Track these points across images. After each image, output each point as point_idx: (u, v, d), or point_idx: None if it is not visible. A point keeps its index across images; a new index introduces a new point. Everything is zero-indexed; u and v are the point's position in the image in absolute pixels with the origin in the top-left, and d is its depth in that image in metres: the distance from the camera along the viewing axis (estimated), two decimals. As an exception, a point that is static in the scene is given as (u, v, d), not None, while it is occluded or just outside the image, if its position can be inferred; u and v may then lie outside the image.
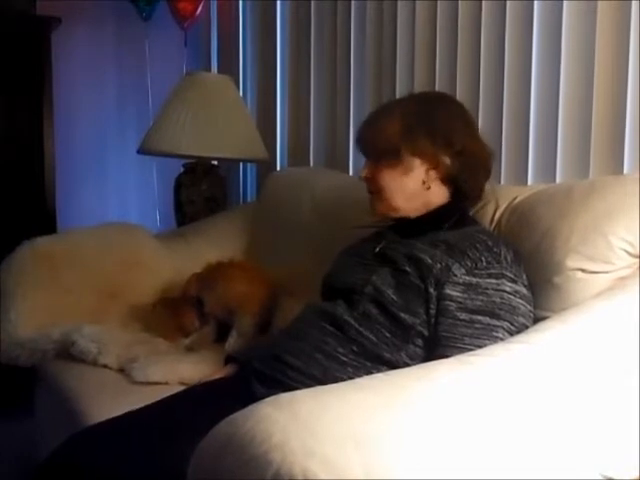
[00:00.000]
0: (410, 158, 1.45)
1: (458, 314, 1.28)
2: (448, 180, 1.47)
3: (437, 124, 1.46)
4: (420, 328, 1.31)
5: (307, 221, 2.17)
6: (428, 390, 0.95)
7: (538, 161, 1.83)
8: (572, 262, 1.32)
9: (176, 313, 2.03)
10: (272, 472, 0.75)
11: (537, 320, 1.30)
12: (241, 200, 3.21)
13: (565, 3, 1.73)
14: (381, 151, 1.48)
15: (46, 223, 2.79)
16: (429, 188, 1.46)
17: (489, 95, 1.95)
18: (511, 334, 1.26)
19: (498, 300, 1.28)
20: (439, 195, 1.48)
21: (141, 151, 2.65)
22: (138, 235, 2.30)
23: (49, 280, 2.03)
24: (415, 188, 1.47)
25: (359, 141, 1.57)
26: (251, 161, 2.97)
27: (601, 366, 1.08)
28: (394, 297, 1.33)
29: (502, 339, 1.24)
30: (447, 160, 1.44)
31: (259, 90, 3.03)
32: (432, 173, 1.46)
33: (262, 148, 2.67)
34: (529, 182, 1.85)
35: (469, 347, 1.24)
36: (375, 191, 1.50)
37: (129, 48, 3.32)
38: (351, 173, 2.41)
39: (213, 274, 2.01)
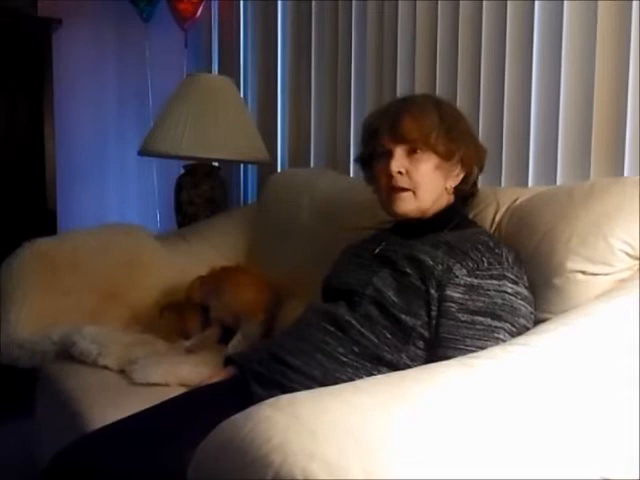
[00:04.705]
0: (451, 151, 1.44)
1: (459, 315, 1.28)
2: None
3: (457, 126, 1.47)
4: (421, 330, 1.31)
5: (307, 222, 2.17)
6: (428, 392, 0.95)
7: (539, 163, 1.83)
8: (572, 264, 1.32)
9: (181, 317, 2.03)
10: (272, 474, 0.75)
11: (537, 322, 1.30)
12: (242, 201, 3.21)
13: (566, 4, 1.73)
14: (424, 139, 1.41)
15: (46, 224, 2.79)
16: (446, 189, 1.47)
17: (490, 97, 1.95)
18: (512, 335, 1.26)
19: (499, 301, 1.28)
20: (447, 197, 1.49)
21: (142, 153, 2.65)
22: (138, 236, 2.30)
23: (49, 281, 2.03)
24: (441, 187, 1.47)
25: (392, 128, 1.44)
26: (252, 162, 2.97)
27: (601, 368, 1.08)
28: (395, 299, 1.33)
29: (503, 340, 1.24)
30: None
31: (260, 91, 3.03)
32: (459, 172, 1.48)
33: (263, 149, 2.67)
34: (530, 184, 1.85)
35: (470, 348, 1.24)
36: (407, 188, 1.43)
37: (130, 49, 3.32)
38: (352, 174, 2.42)
39: (219, 280, 2.01)
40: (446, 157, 1.44)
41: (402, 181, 1.43)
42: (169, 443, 1.23)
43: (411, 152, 1.43)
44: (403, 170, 1.43)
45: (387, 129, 1.45)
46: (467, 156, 1.47)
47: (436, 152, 1.43)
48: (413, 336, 1.31)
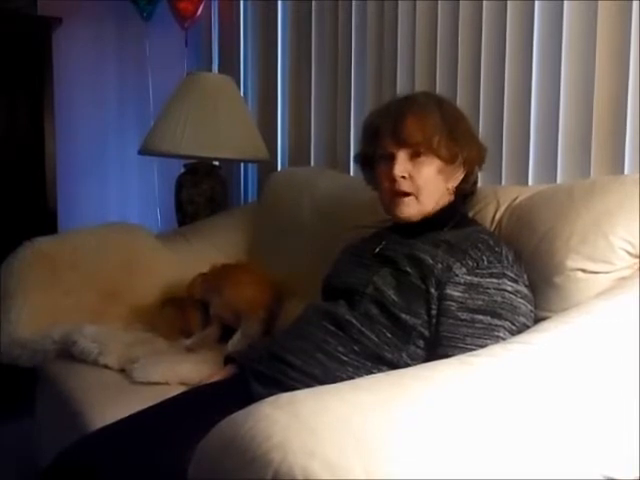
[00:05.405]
0: (454, 154, 1.44)
1: (459, 314, 1.27)
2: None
3: (459, 127, 1.47)
4: (421, 329, 1.31)
5: (308, 221, 2.18)
6: (428, 390, 0.95)
7: (539, 161, 1.83)
8: (572, 262, 1.32)
9: (182, 314, 2.04)
10: (272, 472, 0.75)
11: (538, 320, 1.30)
12: (242, 200, 3.21)
13: (566, 3, 1.73)
14: (427, 143, 1.40)
15: (47, 223, 2.79)
16: (447, 189, 1.47)
17: (490, 95, 1.95)
18: (512, 334, 1.26)
19: (499, 299, 1.28)
20: (448, 197, 1.48)
21: (142, 152, 2.65)
22: (139, 235, 2.30)
23: (50, 280, 2.03)
24: (443, 189, 1.47)
25: (395, 131, 1.42)
26: (252, 161, 2.97)
27: (602, 366, 1.08)
28: (395, 298, 1.33)
29: (503, 339, 1.24)
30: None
31: (260, 90, 3.03)
32: (460, 173, 1.48)
33: (263, 148, 2.67)
34: (530, 182, 1.85)
35: (470, 347, 1.24)
36: (409, 192, 1.43)
37: (130, 48, 3.32)
38: (352, 173, 2.41)
39: (220, 277, 2.00)
40: (449, 161, 1.44)
41: (405, 185, 1.43)
42: (169, 442, 1.23)
43: (414, 155, 1.42)
44: (406, 174, 1.42)
45: (389, 131, 1.44)
46: (470, 157, 1.47)
47: (439, 156, 1.42)
48: (413, 335, 1.31)
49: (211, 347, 1.89)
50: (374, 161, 1.51)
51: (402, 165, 1.42)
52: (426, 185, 1.42)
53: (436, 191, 1.44)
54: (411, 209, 1.44)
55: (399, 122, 1.42)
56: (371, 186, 1.57)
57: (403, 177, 1.42)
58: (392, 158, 1.43)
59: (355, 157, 1.61)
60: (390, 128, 1.43)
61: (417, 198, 1.43)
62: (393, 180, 1.43)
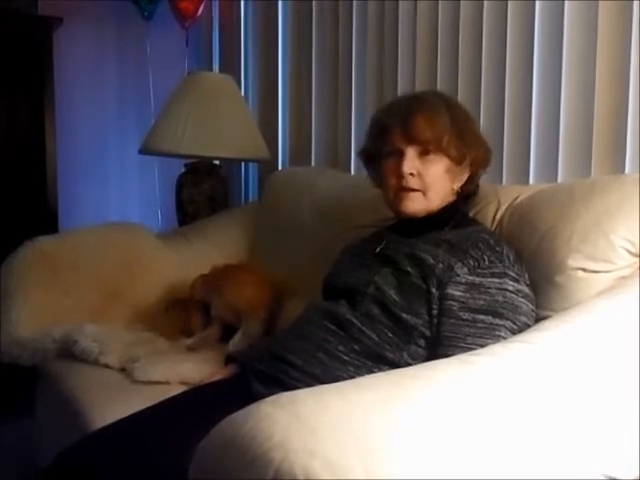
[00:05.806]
0: (462, 155, 1.44)
1: (461, 314, 1.27)
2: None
3: (467, 128, 1.47)
4: (422, 329, 1.31)
5: (309, 220, 2.17)
6: (429, 389, 0.95)
7: (540, 161, 1.83)
8: (573, 261, 1.32)
9: (186, 315, 2.04)
10: (273, 471, 0.75)
11: (539, 319, 1.30)
12: (243, 200, 3.21)
13: (567, 3, 1.73)
14: (437, 142, 1.40)
15: (48, 223, 2.79)
16: (452, 189, 1.47)
17: (490, 95, 1.94)
18: (513, 333, 1.26)
19: (501, 299, 1.27)
20: (451, 197, 1.48)
21: (142, 151, 2.65)
22: (139, 235, 2.30)
23: (50, 280, 2.03)
24: (449, 188, 1.46)
25: (404, 128, 1.42)
26: (253, 161, 2.97)
27: (602, 365, 1.08)
28: (396, 298, 1.33)
29: (504, 338, 1.24)
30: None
31: (261, 89, 3.03)
32: (465, 175, 1.47)
33: (264, 148, 2.67)
34: (531, 182, 1.85)
35: (471, 346, 1.23)
36: (417, 189, 1.42)
37: (131, 48, 3.32)
38: (352, 172, 2.41)
39: (220, 278, 2.00)
40: (458, 161, 1.43)
41: (413, 182, 1.42)
42: (169, 442, 1.23)
43: (423, 153, 1.42)
44: (414, 172, 1.41)
45: (399, 128, 1.43)
46: (476, 159, 1.47)
47: (448, 155, 1.42)
48: (414, 335, 1.31)
49: (212, 347, 1.89)
50: (380, 158, 1.49)
51: (411, 162, 1.41)
52: (434, 183, 1.42)
53: (442, 190, 1.44)
54: (416, 204, 1.43)
55: (409, 119, 1.42)
56: (374, 183, 1.57)
57: (411, 174, 1.41)
58: (400, 154, 1.43)
59: (358, 153, 1.60)
60: (400, 125, 1.43)
61: (424, 194, 1.43)
62: (400, 177, 1.42)
